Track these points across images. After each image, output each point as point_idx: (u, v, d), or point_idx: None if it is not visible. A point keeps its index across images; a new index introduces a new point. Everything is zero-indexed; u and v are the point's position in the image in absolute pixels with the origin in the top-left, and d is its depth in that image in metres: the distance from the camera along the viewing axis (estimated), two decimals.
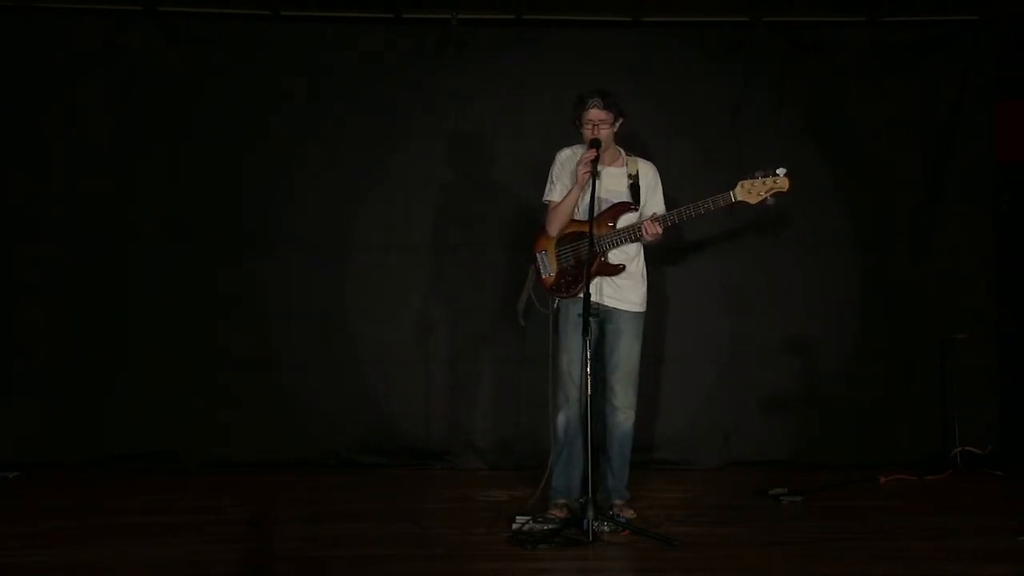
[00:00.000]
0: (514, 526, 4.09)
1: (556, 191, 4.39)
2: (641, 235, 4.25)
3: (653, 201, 4.40)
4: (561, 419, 4.33)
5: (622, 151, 4.43)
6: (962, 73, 5.79)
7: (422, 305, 5.76)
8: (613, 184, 4.34)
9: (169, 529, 4.22)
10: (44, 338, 5.65)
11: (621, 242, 4.29)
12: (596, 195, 4.16)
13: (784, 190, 4.21)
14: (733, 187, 4.22)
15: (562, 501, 4.33)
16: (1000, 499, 4.95)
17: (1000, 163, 5.93)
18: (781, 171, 4.20)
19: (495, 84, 5.81)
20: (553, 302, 4.37)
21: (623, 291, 4.33)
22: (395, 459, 5.69)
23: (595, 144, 4.19)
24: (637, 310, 4.37)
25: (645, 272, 4.43)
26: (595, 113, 4.24)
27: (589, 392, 4.04)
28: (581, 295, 4.10)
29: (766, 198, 4.22)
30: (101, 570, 3.65)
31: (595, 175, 4.16)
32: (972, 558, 3.73)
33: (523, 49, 5.82)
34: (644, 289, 4.40)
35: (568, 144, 4.44)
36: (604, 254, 4.29)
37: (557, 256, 4.39)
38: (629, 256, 4.35)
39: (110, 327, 5.68)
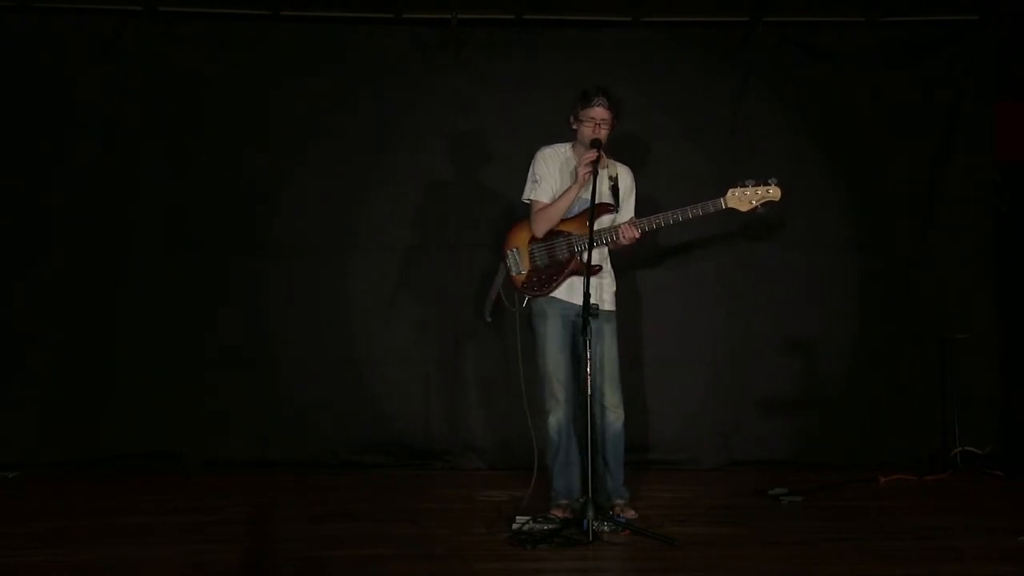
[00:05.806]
0: (514, 526, 4.08)
1: (542, 190, 4.36)
2: (617, 238, 4.26)
3: (627, 206, 4.42)
4: (553, 422, 4.34)
5: (603, 154, 4.43)
6: (962, 73, 5.79)
7: (422, 305, 5.76)
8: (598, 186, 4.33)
9: (169, 529, 4.22)
10: (44, 338, 5.65)
11: (599, 243, 4.28)
12: (590, 195, 4.12)
13: (775, 200, 4.21)
14: (724, 194, 4.22)
15: (564, 502, 4.33)
16: (1000, 499, 4.94)
17: (1000, 163, 5.93)
18: (772, 180, 4.20)
19: (495, 84, 5.81)
20: (522, 300, 4.37)
21: (601, 291, 4.34)
22: (395, 459, 5.69)
23: (596, 144, 4.20)
24: (612, 308, 4.40)
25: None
26: (601, 112, 4.25)
27: (589, 391, 4.01)
28: (552, 294, 4.26)
29: (756, 207, 4.21)
30: (101, 570, 3.65)
31: (596, 175, 4.14)
32: (972, 558, 3.73)
33: (523, 49, 5.82)
34: (615, 288, 4.43)
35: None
36: (582, 254, 4.27)
37: (530, 254, 4.38)
38: (603, 256, 4.38)
39: (110, 327, 5.69)
